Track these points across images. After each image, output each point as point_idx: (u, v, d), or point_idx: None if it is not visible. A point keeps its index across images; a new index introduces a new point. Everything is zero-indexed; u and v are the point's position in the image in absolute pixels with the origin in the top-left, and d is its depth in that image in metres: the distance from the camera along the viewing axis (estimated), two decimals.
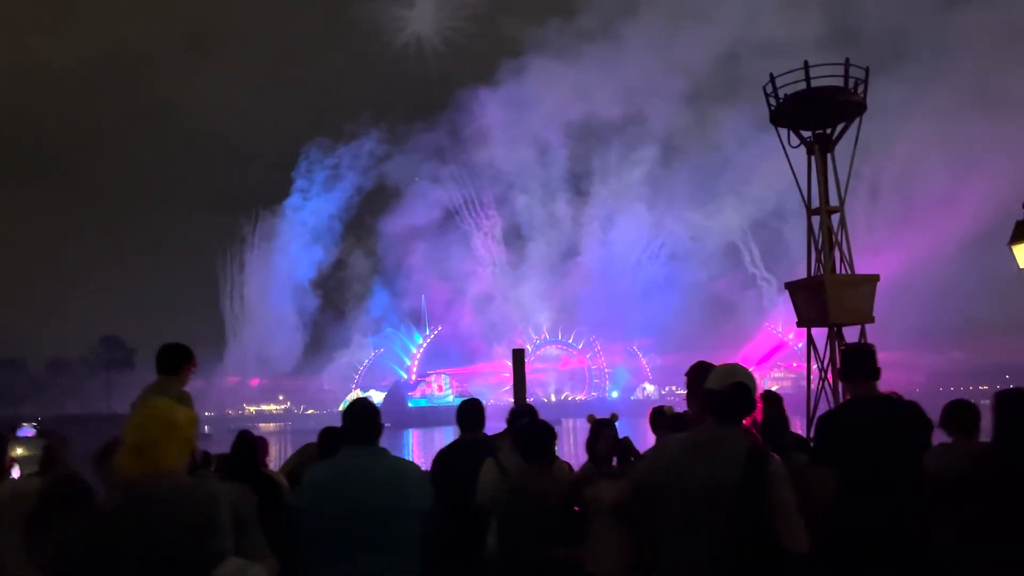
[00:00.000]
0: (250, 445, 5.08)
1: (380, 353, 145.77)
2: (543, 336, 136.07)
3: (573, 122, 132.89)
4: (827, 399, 15.42)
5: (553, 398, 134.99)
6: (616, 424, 5.51)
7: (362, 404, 3.99)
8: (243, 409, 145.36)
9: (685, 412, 5.40)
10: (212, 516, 2.74)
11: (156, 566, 2.64)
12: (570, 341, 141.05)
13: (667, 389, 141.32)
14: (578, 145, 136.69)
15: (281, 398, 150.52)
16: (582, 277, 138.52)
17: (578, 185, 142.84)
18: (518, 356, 8.99)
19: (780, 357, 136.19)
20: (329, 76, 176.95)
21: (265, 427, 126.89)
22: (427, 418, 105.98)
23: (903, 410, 4.30)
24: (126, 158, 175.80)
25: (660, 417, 5.51)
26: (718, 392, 3.52)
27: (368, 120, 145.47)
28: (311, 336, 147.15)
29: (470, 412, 5.70)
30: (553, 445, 4.34)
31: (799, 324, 16.36)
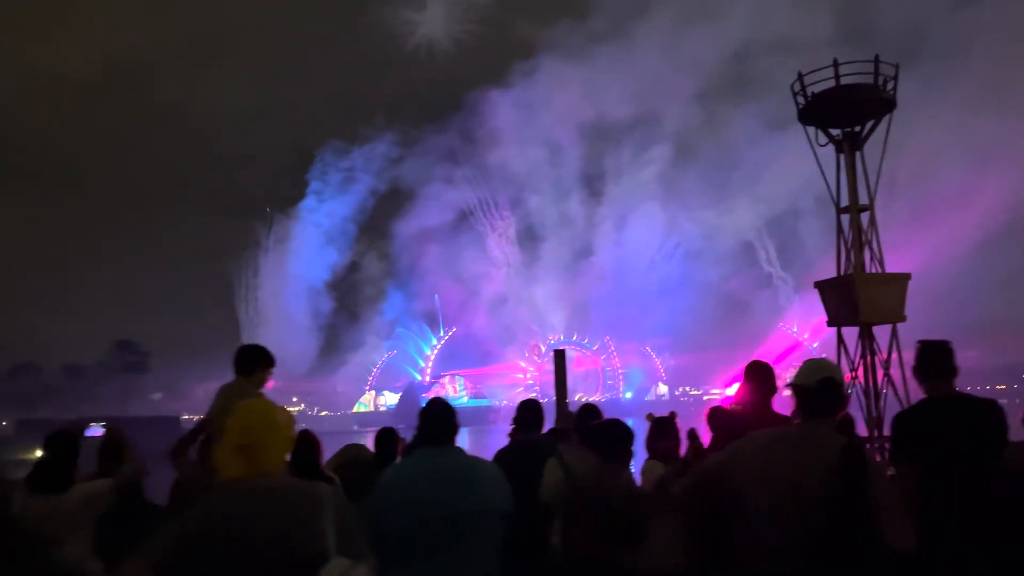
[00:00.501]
0: (312, 445, 5.05)
1: (394, 355, 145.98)
2: (557, 337, 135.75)
3: (585, 123, 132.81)
4: (858, 399, 15.30)
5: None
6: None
7: (439, 403, 3.95)
8: None
9: (734, 407, 5.36)
10: (317, 517, 2.70)
11: (262, 567, 2.60)
12: (584, 342, 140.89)
13: (680, 390, 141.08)
14: (590, 145, 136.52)
15: (295, 400, 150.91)
16: (596, 277, 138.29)
17: (591, 185, 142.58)
18: (559, 357, 8.92)
19: (796, 357, 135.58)
20: (340, 79, 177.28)
21: None
22: None
23: (982, 408, 4.22)
24: (137, 163, 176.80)
25: (720, 415, 5.46)
26: (808, 387, 3.47)
27: (381, 123, 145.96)
28: (325, 338, 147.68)
29: (529, 412, 5.65)
30: (632, 444, 4.29)
31: (829, 323, 16.23)
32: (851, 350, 16.03)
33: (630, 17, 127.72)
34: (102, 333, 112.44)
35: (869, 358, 15.64)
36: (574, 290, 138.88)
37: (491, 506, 3.71)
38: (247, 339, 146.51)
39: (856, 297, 15.12)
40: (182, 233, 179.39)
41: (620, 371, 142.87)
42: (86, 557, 4.23)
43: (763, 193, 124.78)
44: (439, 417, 3.86)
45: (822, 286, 16.27)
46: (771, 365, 5.15)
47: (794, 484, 3.20)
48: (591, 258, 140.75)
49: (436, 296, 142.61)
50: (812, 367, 3.56)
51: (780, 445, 3.39)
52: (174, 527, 2.68)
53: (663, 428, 5.34)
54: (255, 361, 5.15)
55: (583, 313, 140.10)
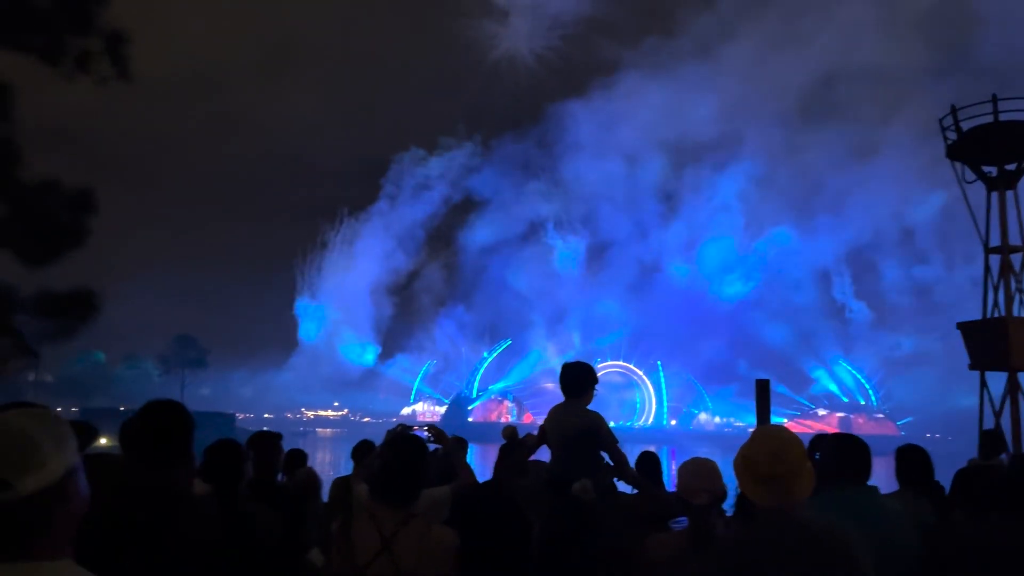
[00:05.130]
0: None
1: (445, 365, 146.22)
2: (608, 359, 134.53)
3: (665, 140, 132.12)
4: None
5: (612, 423, 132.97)
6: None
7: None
8: (301, 413, 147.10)
9: None
10: (850, 560, 2.46)
11: None
12: (631, 365, 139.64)
13: (725, 419, 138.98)
14: (669, 163, 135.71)
15: (336, 404, 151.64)
16: (661, 297, 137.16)
17: (666, 203, 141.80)
18: (763, 387, 8.58)
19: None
20: (422, 89, 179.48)
21: (321, 432, 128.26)
22: (488, 433, 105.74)
23: None
24: (210, 166, 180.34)
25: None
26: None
27: (461, 133, 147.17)
28: (382, 343, 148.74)
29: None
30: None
31: (971, 367, 15.65)
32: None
33: (718, 38, 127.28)
34: (164, 328, 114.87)
35: (1015, 405, 15.02)
36: (637, 310, 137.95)
37: None
38: (303, 339, 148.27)
39: (1008, 341, 14.55)
40: (251, 234, 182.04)
41: (666, 396, 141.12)
42: None
43: (844, 221, 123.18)
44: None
45: (967, 328, 15.70)
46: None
47: None
48: (659, 277, 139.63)
49: (496, 308, 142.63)
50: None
51: None
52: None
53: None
54: (590, 381, 5.00)
55: (642, 334, 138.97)
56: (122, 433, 3.40)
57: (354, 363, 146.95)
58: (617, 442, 4.95)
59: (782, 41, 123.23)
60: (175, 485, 2.69)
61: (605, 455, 4.95)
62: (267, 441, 5.07)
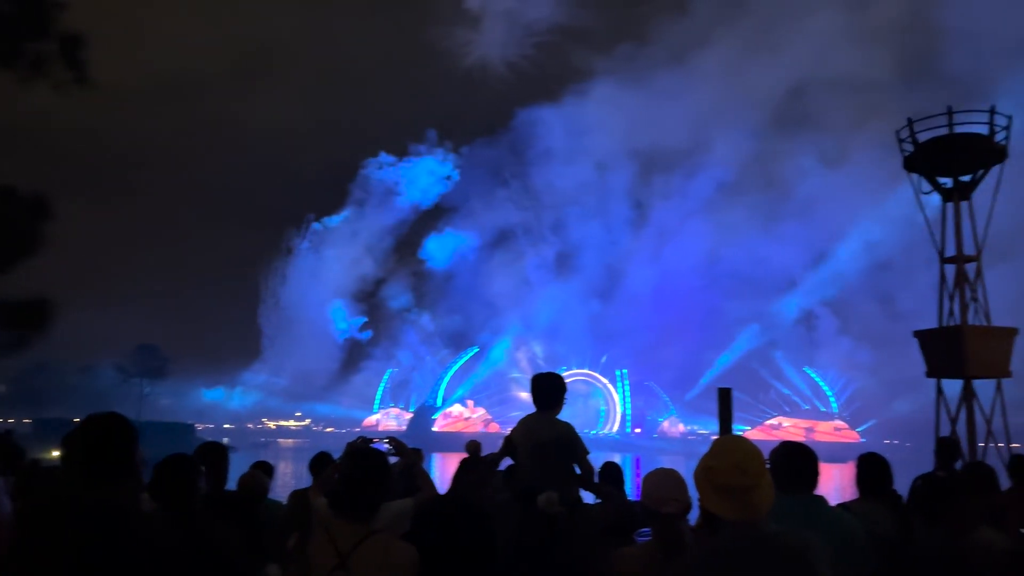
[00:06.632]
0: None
1: (411, 373, 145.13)
2: (572, 367, 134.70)
3: (635, 147, 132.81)
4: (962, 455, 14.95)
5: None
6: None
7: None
8: (262, 423, 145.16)
9: None
10: (815, 572, 2.47)
11: None
12: (595, 373, 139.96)
13: (690, 427, 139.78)
14: (638, 171, 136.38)
15: (299, 415, 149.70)
16: (628, 305, 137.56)
17: (635, 211, 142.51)
18: (724, 395, 8.61)
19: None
20: (393, 96, 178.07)
21: (283, 443, 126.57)
22: (452, 443, 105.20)
23: None
24: (178, 173, 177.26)
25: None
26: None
27: (432, 139, 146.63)
28: (348, 351, 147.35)
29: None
30: None
31: (928, 374, 15.93)
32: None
33: (691, 46, 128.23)
34: (124, 337, 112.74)
35: (971, 413, 15.31)
36: (604, 318, 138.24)
37: None
38: (270, 347, 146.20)
39: (963, 349, 14.83)
40: (216, 241, 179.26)
41: (630, 405, 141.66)
42: None
43: (813, 230, 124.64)
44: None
45: (923, 336, 15.98)
46: None
47: None
48: (627, 286, 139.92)
49: (463, 316, 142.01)
50: None
51: None
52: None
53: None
54: (562, 391, 4.98)
55: (609, 341, 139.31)
56: (62, 447, 3.31)
57: (320, 373, 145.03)
58: (588, 453, 4.95)
59: (754, 50, 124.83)
60: (119, 500, 2.62)
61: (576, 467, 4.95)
62: (217, 453, 5.01)
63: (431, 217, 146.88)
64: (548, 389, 5.06)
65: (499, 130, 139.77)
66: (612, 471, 6.11)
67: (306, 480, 6.37)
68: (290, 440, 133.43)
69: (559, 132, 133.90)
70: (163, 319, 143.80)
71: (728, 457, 2.57)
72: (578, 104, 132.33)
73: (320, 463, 6.11)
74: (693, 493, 2.84)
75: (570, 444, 4.88)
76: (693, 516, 3.39)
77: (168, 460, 3.45)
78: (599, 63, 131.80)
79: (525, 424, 5.07)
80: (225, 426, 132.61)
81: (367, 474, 3.29)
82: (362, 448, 4.01)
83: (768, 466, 2.63)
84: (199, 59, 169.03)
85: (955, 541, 3.62)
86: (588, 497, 5.19)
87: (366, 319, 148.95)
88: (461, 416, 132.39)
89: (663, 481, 3.32)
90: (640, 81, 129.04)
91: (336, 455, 5.08)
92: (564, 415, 5.15)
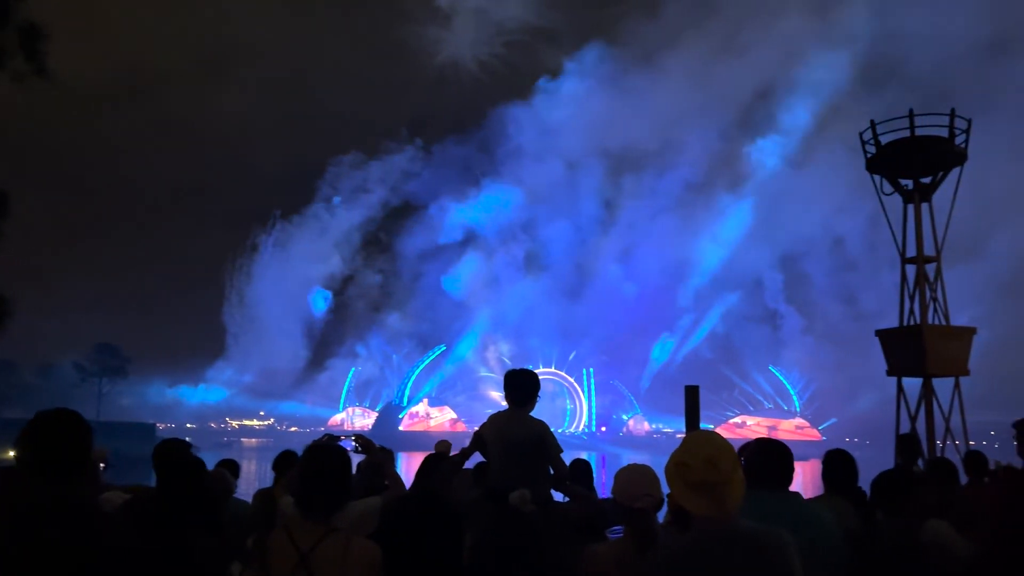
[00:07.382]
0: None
1: (376, 373, 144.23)
2: (539, 366, 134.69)
3: (605, 147, 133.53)
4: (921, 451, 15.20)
5: None
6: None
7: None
8: (226, 422, 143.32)
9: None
10: (787, 568, 2.47)
11: None
12: (562, 372, 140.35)
13: (655, 426, 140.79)
14: (607, 171, 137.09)
15: (263, 413, 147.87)
16: (596, 303, 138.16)
17: (604, 211, 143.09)
18: (692, 393, 8.66)
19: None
20: (362, 92, 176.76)
21: (247, 442, 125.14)
22: (419, 442, 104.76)
23: None
24: (140, 171, 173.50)
25: None
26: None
27: (403, 137, 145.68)
28: (313, 350, 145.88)
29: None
30: None
31: (889, 373, 16.17)
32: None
33: (660, 47, 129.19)
34: (84, 336, 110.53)
35: (930, 411, 15.57)
36: (573, 316, 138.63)
37: None
38: (235, 346, 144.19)
39: (923, 348, 15.08)
40: (180, 240, 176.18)
41: (597, 403, 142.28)
42: None
43: (777, 230, 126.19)
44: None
45: (884, 335, 16.21)
46: None
47: None
48: (595, 284, 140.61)
49: (431, 315, 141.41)
50: None
51: None
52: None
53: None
54: (536, 389, 4.93)
55: (576, 339, 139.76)
56: (15, 445, 3.23)
57: (285, 373, 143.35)
58: (562, 451, 4.91)
59: (723, 52, 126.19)
60: (75, 498, 2.55)
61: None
62: (179, 451, 4.93)
63: (400, 215, 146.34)
64: (523, 385, 4.98)
65: (470, 128, 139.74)
66: (582, 467, 6.09)
67: (270, 479, 6.29)
68: (254, 440, 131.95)
69: (529, 131, 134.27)
70: (126, 318, 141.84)
71: (700, 452, 2.55)
72: (548, 103, 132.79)
73: (285, 462, 6.05)
74: (664, 489, 2.83)
75: (544, 443, 4.82)
76: (663, 513, 3.39)
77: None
78: (569, 63, 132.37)
79: (497, 421, 5.00)
80: (188, 425, 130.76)
81: (326, 470, 3.22)
82: (322, 444, 3.95)
83: (742, 462, 2.62)
84: (163, 54, 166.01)
85: (913, 531, 3.68)
86: (558, 496, 5.16)
87: (310, 355, 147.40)
88: (428, 415, 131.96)
89: (636, 476, 3.31)
90: (610, 81, 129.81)
91: (298, 454, 5.01)
92: (535, 414, 5.10)
